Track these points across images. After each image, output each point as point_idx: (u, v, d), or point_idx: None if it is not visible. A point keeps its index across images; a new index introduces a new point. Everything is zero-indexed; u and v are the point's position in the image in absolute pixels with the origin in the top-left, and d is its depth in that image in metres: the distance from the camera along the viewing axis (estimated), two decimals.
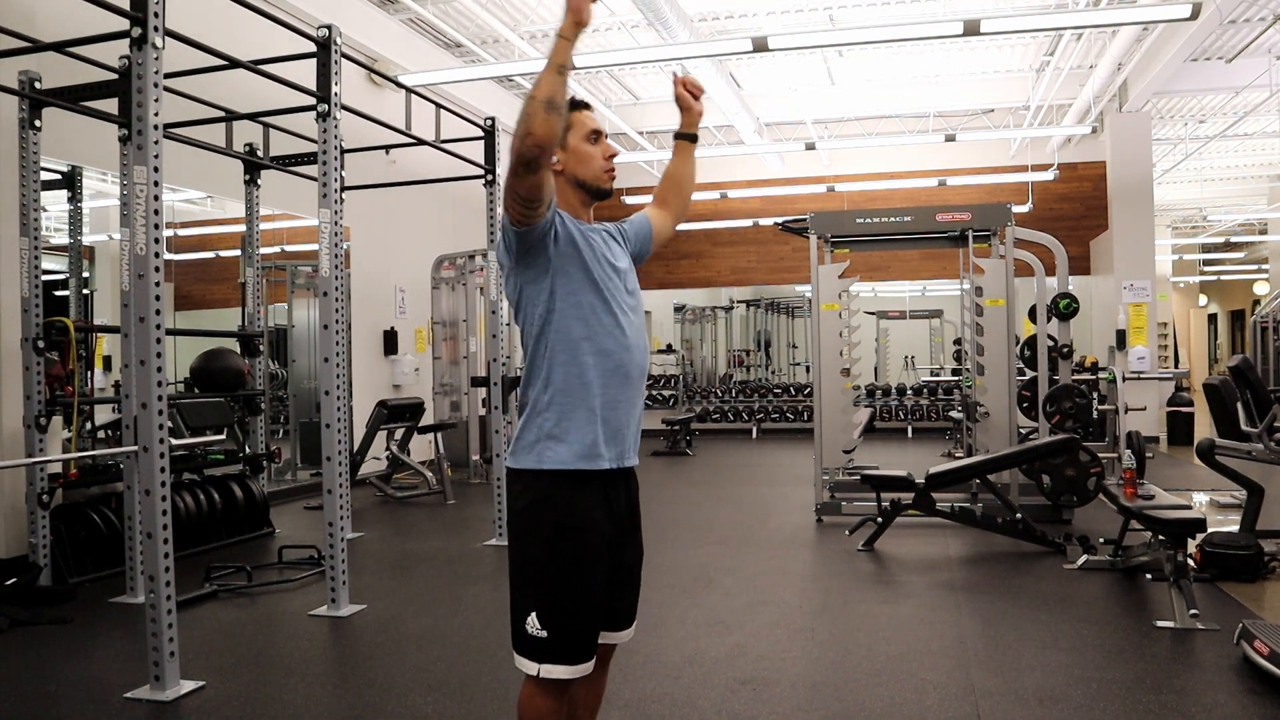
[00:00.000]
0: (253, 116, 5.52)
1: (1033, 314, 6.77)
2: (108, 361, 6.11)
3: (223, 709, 3.03)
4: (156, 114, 3.21)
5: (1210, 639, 3.57)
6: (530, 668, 1.89)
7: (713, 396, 13.83)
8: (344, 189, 4.40)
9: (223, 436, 5.38)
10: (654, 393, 13.59)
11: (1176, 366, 17.69)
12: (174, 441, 3.99)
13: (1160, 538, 4.07)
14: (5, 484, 4.79)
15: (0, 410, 4.80)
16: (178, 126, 5.05)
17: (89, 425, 5.51)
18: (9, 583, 4.36)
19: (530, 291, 1.92)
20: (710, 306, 15.41)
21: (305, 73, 4.28)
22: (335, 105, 4.20)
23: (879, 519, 5.43)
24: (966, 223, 6.32)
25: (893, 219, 6.46)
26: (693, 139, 2.27)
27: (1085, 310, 9.09)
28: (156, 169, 3.21)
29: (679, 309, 14.83)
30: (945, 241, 6.63)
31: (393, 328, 8.96)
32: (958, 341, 10.87)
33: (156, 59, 3.22)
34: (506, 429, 5.94)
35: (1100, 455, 5.44)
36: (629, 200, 12.83)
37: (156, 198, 3.20)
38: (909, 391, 13.24)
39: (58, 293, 5.79)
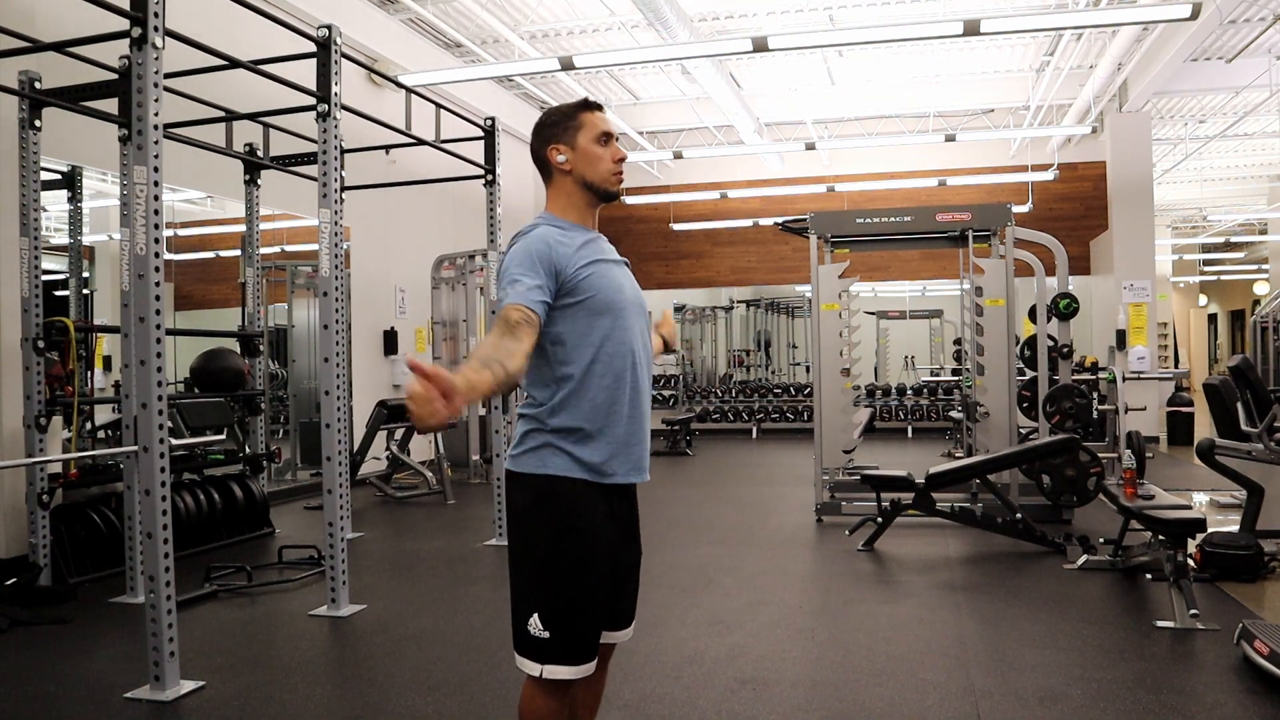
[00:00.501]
0: (253, 116, 5.51)
1: (1033, 314, 6.77)
2: (108, 361, 6.11)
3: (223, 709, 3.03)
4: (156, 114, 3.21)
5: (1210, 639, 3.56)
6: (533, 668, 1.88)
7: (713, 396, 13.83)
8: (344, 189, 4.39)
9: (223, 436, 5.38)
10: (654, 393, 13.47)
11: (1176, 366, 17.69)
12: (174, 441, 4.00)
13: (1160, 538, 4.07)
14: (5, 484, 4.79)
15: (0, 410, 4.80)
16: (178, 126, 5.05)
17: (89, 425, 5.51)
18: (9, 583, 4.36)
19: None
20: (710, 306, 15.41)
21: (305, 73, 4.27)
22: (335, 105, 4.20)
23: (879, 519, 5.43)
24: (966, 223, 6.32)
25: (893, 219, 6.46)
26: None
27: (1085, 310, 9.09)
28: (156, 169, 3.21)
29: (679, 309, 14.82)
30: (945, 241, 6.64)
31: (393, 328, 8.96)
32: (958, 341, 10.87)
33: (156, 59, 3.22)
34: (506, 429, 5.94)
35: (1100, 455, 5.44)
36: (629, 200, 12.83)
37: (156, 198, 3.21)
38: (909, 391, 13.24)
39: (58, 293, 5.78)
